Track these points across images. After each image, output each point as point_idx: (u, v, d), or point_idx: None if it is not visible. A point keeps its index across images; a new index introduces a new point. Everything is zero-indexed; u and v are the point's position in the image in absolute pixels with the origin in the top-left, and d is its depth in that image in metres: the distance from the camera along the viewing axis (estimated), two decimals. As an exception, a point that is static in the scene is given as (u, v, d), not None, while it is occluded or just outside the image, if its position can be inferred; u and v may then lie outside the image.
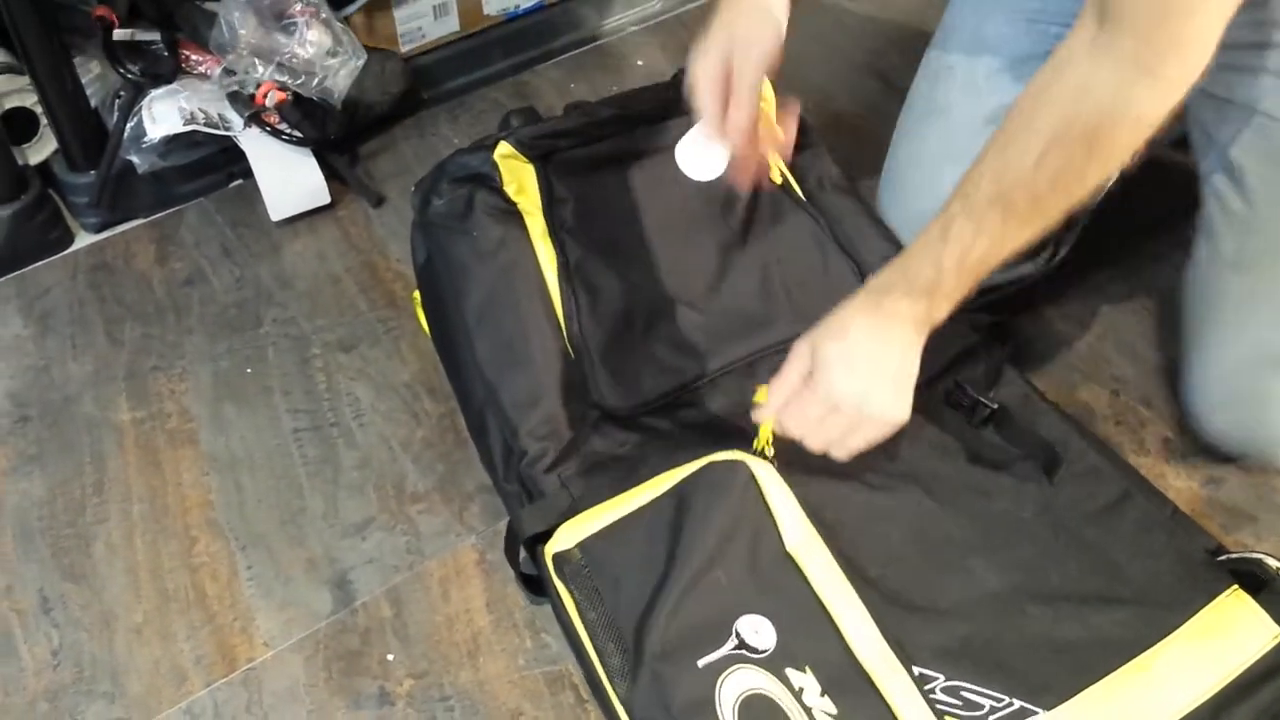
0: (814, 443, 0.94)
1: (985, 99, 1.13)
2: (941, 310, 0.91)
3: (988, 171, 0.85)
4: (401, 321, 1.27)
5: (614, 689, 0.88)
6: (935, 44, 1.21)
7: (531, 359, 1.06)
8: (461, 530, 1.10)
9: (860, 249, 1.17)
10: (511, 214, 1.11)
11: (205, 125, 1.33)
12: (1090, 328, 1.25)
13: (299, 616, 1.04)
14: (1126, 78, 0.78)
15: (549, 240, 1.10)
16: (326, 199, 1.38)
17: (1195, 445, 1.13)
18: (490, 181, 1.11)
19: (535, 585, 1.01)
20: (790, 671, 0.86)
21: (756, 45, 0.94)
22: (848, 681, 0.86)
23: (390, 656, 1.02)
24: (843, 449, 0.94)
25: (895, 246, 1.19)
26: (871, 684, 0.85)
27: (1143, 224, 1.29)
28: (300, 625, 1.04)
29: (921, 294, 0.90)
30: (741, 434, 1.00)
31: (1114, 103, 0.79)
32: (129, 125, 1.32)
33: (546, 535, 0.96)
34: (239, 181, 1.44)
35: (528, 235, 1.11)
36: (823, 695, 0.85)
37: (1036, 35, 1.11)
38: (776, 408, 0.95)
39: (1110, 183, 1.16)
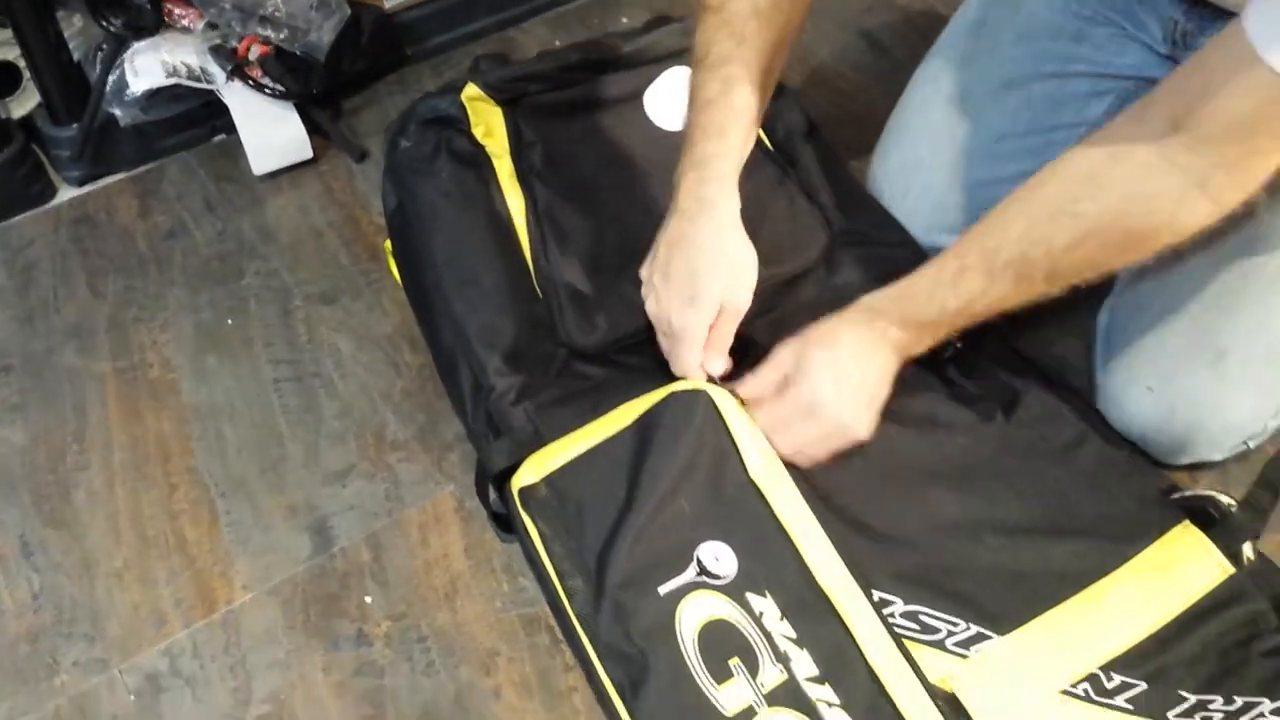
0: (784, 445, 0.94)
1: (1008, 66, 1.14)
2: (926, 345, 0.95)
3: (1016, 235, 0.87)
4: (383, 275, 1.28)
5: (578, 619, 0.89)
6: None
7: (499, 299, 1.07)
8: (441, 478, 1.11)
9: (826, 198, 1.18)
10: (479, 157, 1.12)
11: (187, 79, 1.33)
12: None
13: (278, 561, 1.05)
14: (1190, 194, 0.80)
15: (516, 183, 1.11)
16: (309, 153, 1.39)
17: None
18: (458, 124, 1.12)
19: (506, 524, 1.02)
20: (750, 596, 0.87)
21: (741, 306, 0.96)
22: (807, 605, 0.87)
23: (368, 599, 1.03)
24: (809, 456, 0.95)
25: (859, 194, 1.20)
26: (831, 607, 0.87)
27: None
28: (279, 569, 1.05)
29: (915, 328, 0.93)
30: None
31: (1171, 214, 0.81)
32: (111, 78, 1.32)
33: (513, 470, 0.97)
34: (221, 136, 1.44)
35: (495, 178, 1.12)
36: (782, 619, 0.86)
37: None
38: (749, 403, 0.96)
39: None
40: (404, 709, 0.96)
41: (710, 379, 0.96)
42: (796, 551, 0.90)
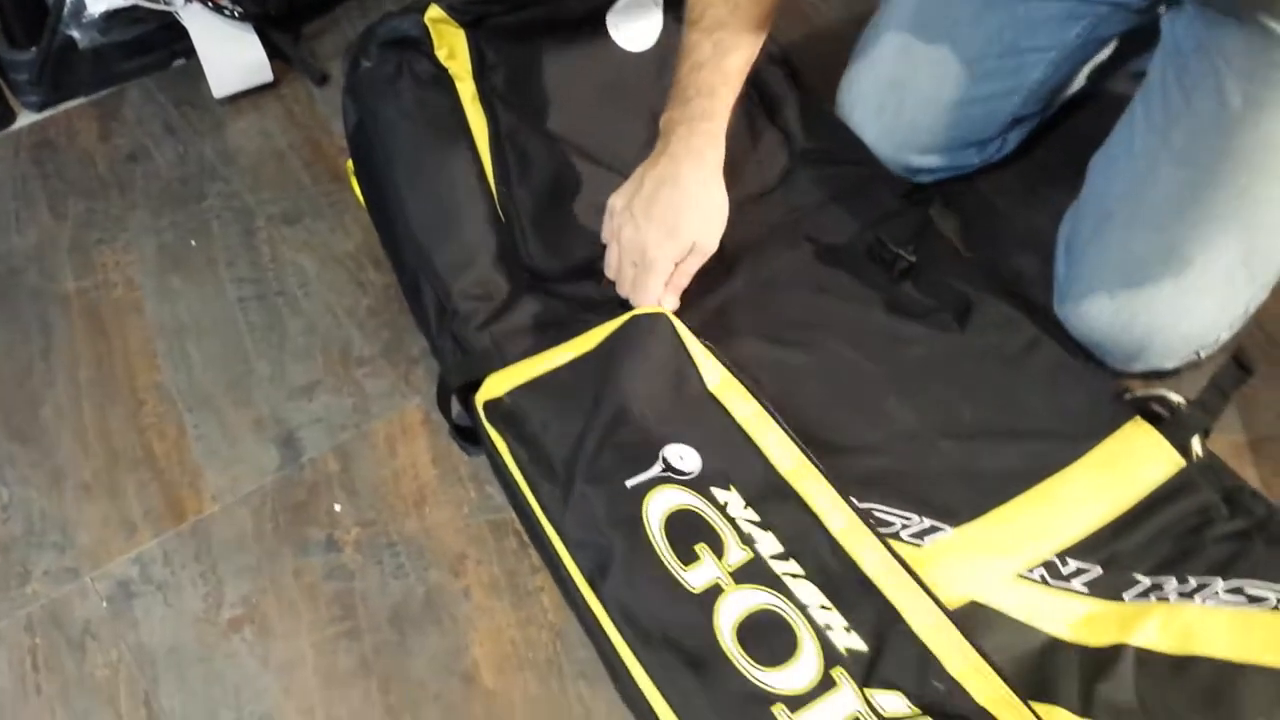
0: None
1: None
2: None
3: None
4: (345, 195, 1.28)
5: (548, 517, 0.91)
6: None
7: (463, 222, 1.08)
8: (407, 391, 1.12)
9: (788, 118, 1.19)
10: (442, 78, 1.12)
11: (146, 0, 1.32)
12: (1028, 203, 1.27)
13: (246, 473, 1.06)
14: None
15: (479, 105, 1.11)
16: (269, 76, 1.38)
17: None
18: (420, 46, 1.12)
19: (469, 436, 1.03)
20: (715, 490, 0.89)
21: (710, 249, 1.01)
22: (771, 492, 0.90)
23: (337, 508, 1.04)
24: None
25: (821, 115, 1.22)
26: (792, 492, 0.89)
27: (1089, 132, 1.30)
28: (248, 480, 1.06)
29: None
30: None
31: None
32: (69, 0, 1.31)
33: (477, 387, 0.99)
34: (181, 61, 1.43)
35: (458, 100, 1.12)
36: (746, 508, 0.88)
37: None
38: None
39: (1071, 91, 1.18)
40: (374, 610, 0.98)
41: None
42: (757, 448, 0.92)
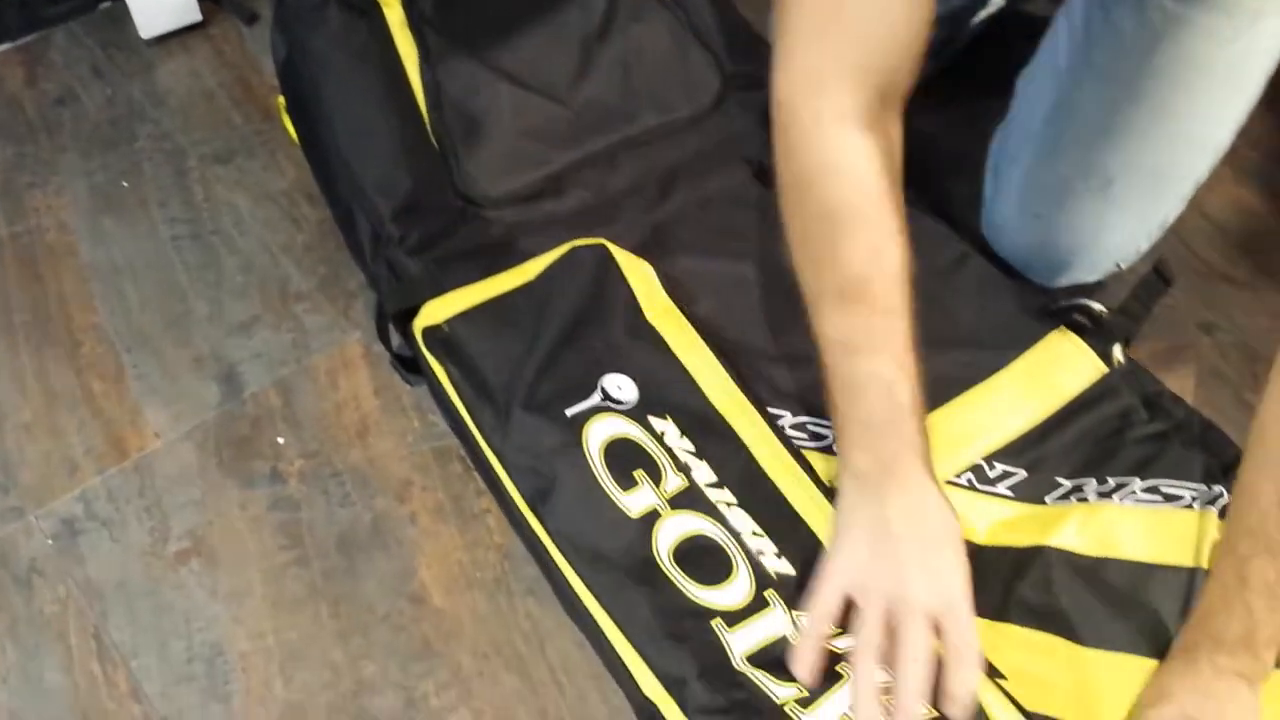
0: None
1: None
2: (1266, 660, 0.78)
3: (1275, 498, 0.77)
4: (277, 133, 1.27)
5: (488, 444, 0.92)
6: None
7: (395, 149, 1.08)
8: (347, 325, 1.13)
9: (717, 40, 1.20)
10: (369, 7, 1.12)
11: (66, -59, 1.30)
12: (957, 127, 1.28)
13: (188, 409, 1.07)
14: None
15: (408, 31, 1.11)
16: (197, 16, 1.37)
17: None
18: (347, -26, 1.11)
19: (409, 366, 1.04)
20: (652, 419, 0.91)
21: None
22: (704, 425, 0.92)
23: (280, 440, 1.05)
24: None
25: (752, 38, 1.22)
26: (726, 425, 0.91)
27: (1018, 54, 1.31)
28: (189, 417, 1.06)
29: (1237, 646, 0.78)
30: (603, 223, 1.04)
31: None
32: (-15, -59, 1.29)
33: (415, 314, 1.00)
34: (108, 3, 1.41)
35: (386, 27, 1.11)
36: (681, 437, 0.91)
37: None
38: None
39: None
40: (321, 538, 0.99)
41: None
42: (693, 381, 0.94)
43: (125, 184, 1.24)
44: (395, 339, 1.03)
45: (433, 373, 0.98)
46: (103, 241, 1.19)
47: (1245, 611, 0.77)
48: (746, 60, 1.22)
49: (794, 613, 0.84)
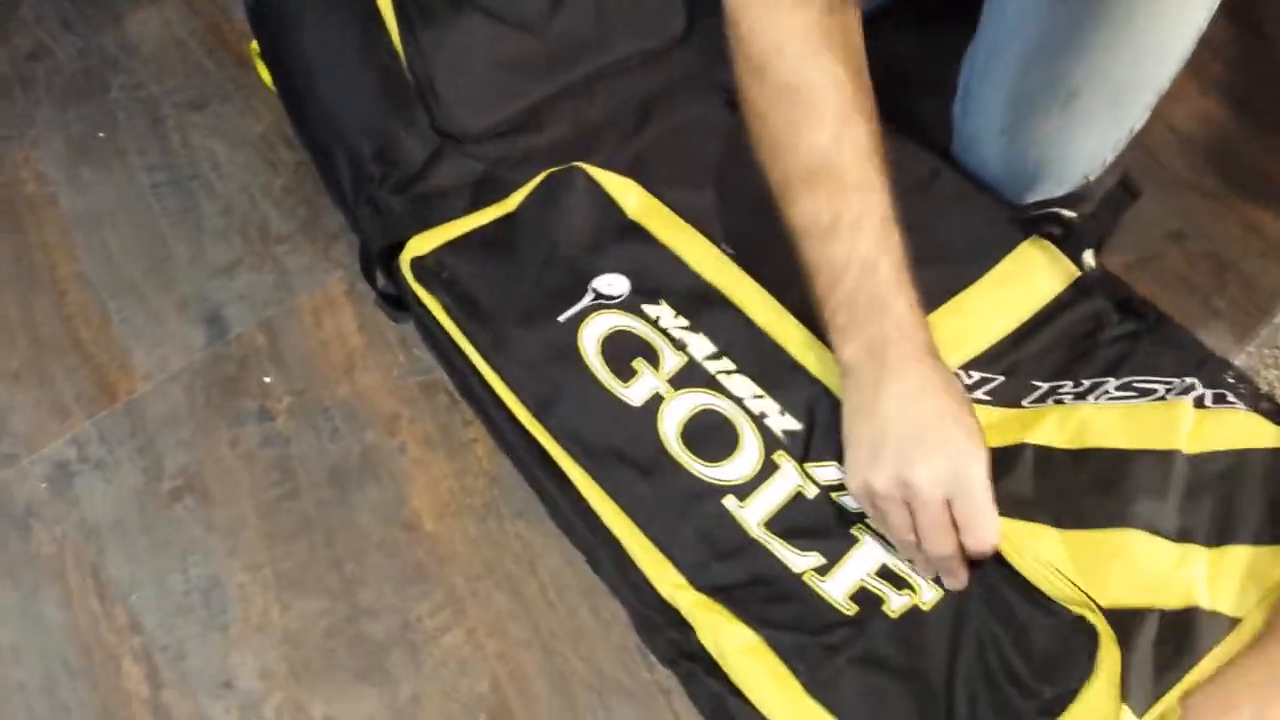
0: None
1: None
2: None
3: None
4: (250, 79, 1.28)
5: (487, 363, 0.94)
6: None
7: (372, 89, 1.08)
8: (329, 266, 1.14)
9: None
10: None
11: (29, -107, 1.30)
12: (933, 51, 1.29)
13: (174, 351, 1.08)
14: None
15: (379, -35, 1.12)
16: (164, -34, 1.37)
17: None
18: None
19: (395, 302, 1.05)
20: (645, 306, 0.93)
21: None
22: (698, 297, 0.94)
23: (268, 379, 1.06)
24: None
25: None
26: (719, 293, 0.93)
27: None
28: (176, 359, 1.07)
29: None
30: (582, 155, 1.04)
31: None
32: (-52, -104, 1.28)
33: (399, 251, 1.01)
34: (73, -42, 1.41)
35: (358, -36, 1.12)
36: (677, 316, 0.93)
37: None
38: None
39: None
40: (313, 471, 1.01)
41: None
42: (681, 260, 0.96)
43: (101, 134, 1.24)
44: (380, 278, 1.04)
45: (422, 304, 0.99)
46: (82, 191, 1.20)
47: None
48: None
49: (805, 467, 0.86)
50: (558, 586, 0.94)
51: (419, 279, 0.99)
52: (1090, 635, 0.79)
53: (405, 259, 1.00)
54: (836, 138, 0.81)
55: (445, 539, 0.97)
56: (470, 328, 0.95)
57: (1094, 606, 0.79)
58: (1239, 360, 1.09)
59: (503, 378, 0.92)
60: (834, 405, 0.88)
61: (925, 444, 0.78)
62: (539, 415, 0.90)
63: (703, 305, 0.93)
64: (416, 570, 0.96)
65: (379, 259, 1.04)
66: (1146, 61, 1.05)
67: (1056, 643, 0.80)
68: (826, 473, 0.86)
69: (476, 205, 1.03)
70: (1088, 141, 1.09)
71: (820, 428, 0.88)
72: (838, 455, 0.86)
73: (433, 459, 1.01)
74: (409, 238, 1.01)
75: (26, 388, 1.05)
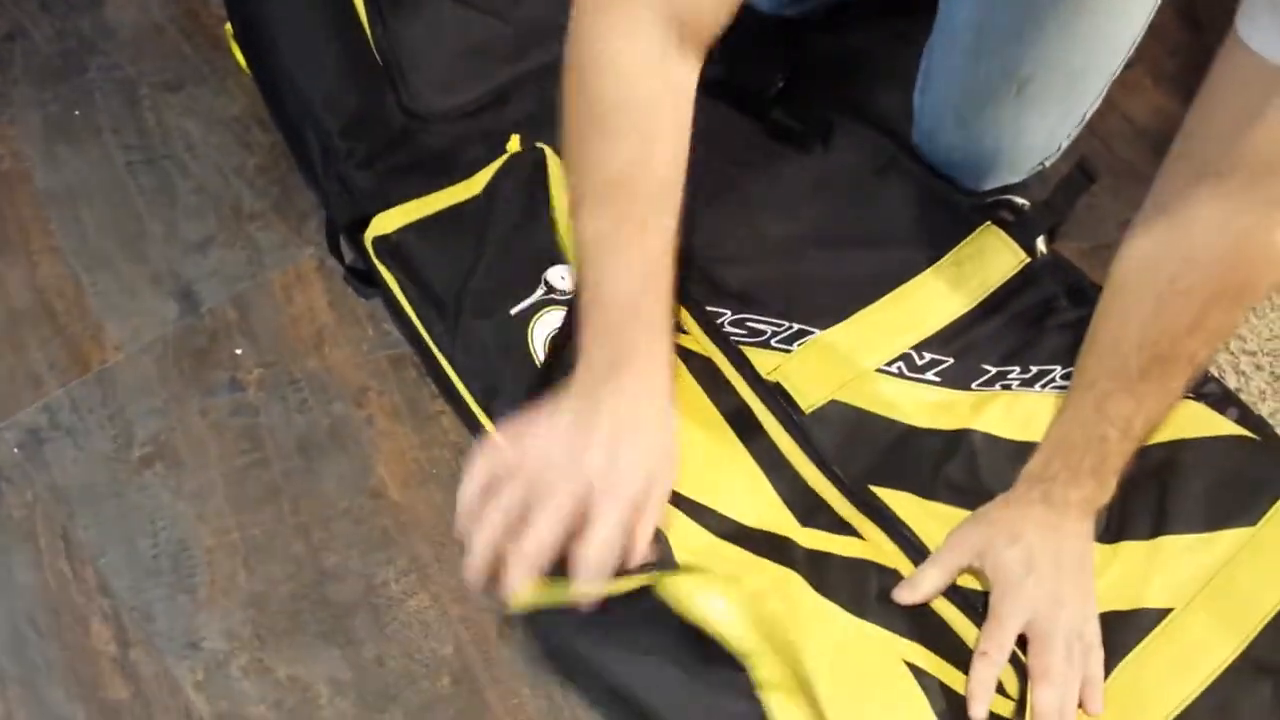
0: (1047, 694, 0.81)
1: None
2: (1110, 487, 0.86)
3: (1137, 342, 0.83)
4: (226, 61, 1.29)
5: (440, 350, 0.97)
6: None
7: (340, 67, 1.11)
8: (300, 243, 1.16)
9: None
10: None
11: (10, -123, 1.32)
12: (894, 43, 1.32)
13: (147, 323, 1.10)
14: (1265, 223, 0.79)
15: (351, -48, 1.14)
16: (142, -49, 1.39)
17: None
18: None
19: (363, 278, 1.08)
20: None
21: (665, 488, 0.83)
22: None
23: (238, 351, 1.08)
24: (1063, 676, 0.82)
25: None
26: None
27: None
28: (149, 330, 1.09)
29: (1090, 477, 0.85)
30: (546, 133, 1.06)
31: (1265, 253, 0.79)
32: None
33: (365, 227, 1.03)
34: (52, -57, 1.43)
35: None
36: None
37: None
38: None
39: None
40: (281, 441, 1.02)
41: None
42: None
43: (78, 113, 1.26)
44: (349, 254, 1.06)
45: (383, 281, 1.01)
46: (57, 168, 1.21)
47: (1100, 442, 0.84)
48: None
49: None
50: (520, 552, 0.96)
51: (381, 257, 1.02)
52: None
53: (369, 237, 1.02)
54: (639, 159, 0.81)
55: (410, 507, 0.99)
56: (426, 313, 0.98)
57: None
58: (1188, 345, 1.11)
59: (453, 366, 0.95)
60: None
61: (621, 442, 0.78)
62: (485, 406, 0.93)
63: None
64: (382, 536, 0.97)
65: (346, 234, 1.06)
66: (1099, 49, 1.08)
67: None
68: None
69: (441, 181, 1.06)
70: (1042, 128, 1.12)
71: None
72: None
73: (399, 430, 1.03)
74: (374, 214, 1.03)
75: (1, 356, 1.07)
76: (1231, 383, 1.09)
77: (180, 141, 1.23)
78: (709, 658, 0.79)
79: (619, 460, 0.76)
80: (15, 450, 1.01)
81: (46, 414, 1.04)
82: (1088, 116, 1.12)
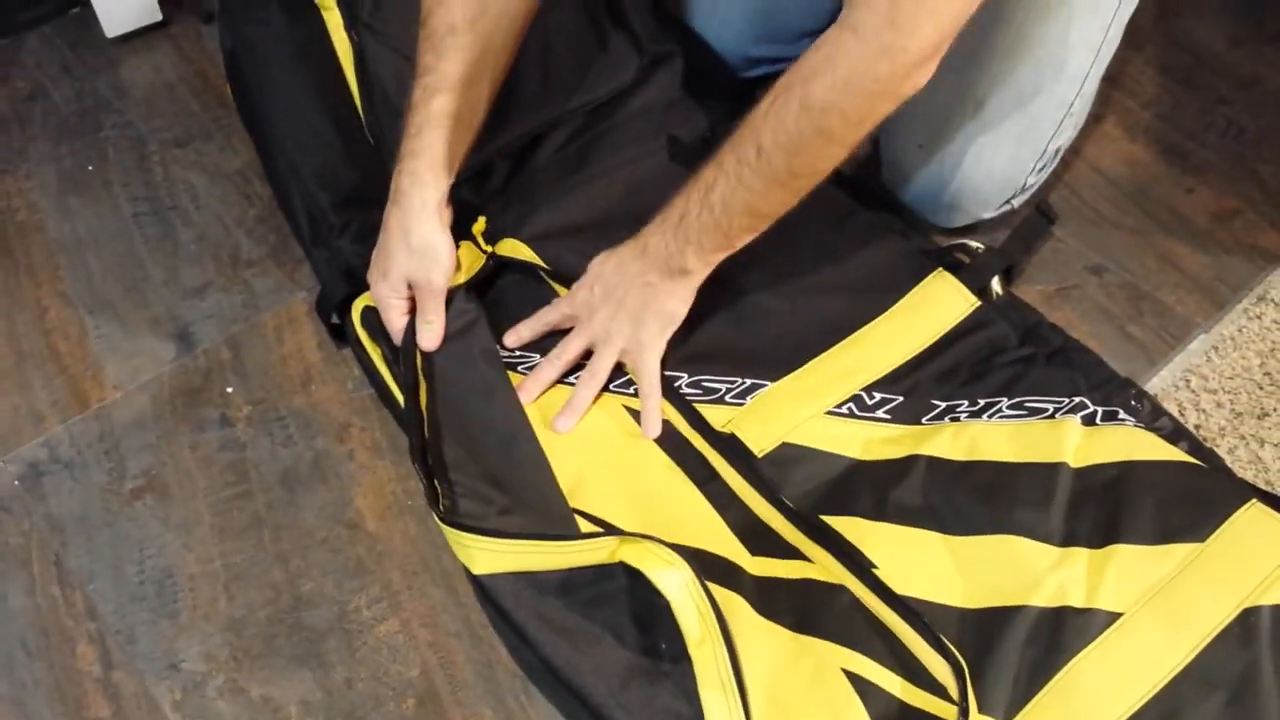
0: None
1: None
2: (695, 256, 0.99)
3: (748, 127, 0.93)
4: (232, 119, 1.37)
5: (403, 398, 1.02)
6: None
7: (334, 144, 1.18)
8: (293, 287, 1.21)
9: (634, 21, 1.28)
10: (310, 8, 1.21)
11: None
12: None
13: (145, 364, 1.15)
14: (869, 52, 0.86)
15: (345, 34, 1.21)
16: (158, 16, 1.47)
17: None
18: (288, -24, 1.21)
19: (337, 332, 1.13)
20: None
21: (435, 284, 1.04)
22: None
23: (229, 389, 1.13)
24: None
25: (668, 20, 1.31)
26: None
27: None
28: (146, 370, 1.15)
29: (672, 230, 0.98)
30: (522, 197, 1.16)
31: (860, 77, 0.87)
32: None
33: (354, 295, 1.10)
34: (76, 9, 1.51)
35: (325, 28, 1.21)
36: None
37: None
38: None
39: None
40: (266, 474, 1.07)
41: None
42: None
43: (90, 168, 1.33)
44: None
45: (366, 352, 1.07)
46: (69, 219, 1.28)
47: (684, 200, 0.98)
48: (665, 41, 1.30)
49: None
50: (486, 580, 1.00)
51: (366, 327, 1.07)
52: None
53: (357, 307, 1.08)
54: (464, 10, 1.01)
55: (385, 537, 1.03)
56: (399, 373, 1.04)
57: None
58: (1152, 383, 1.14)
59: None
60: None
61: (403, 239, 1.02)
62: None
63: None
64: (357, 565, 1.02)
65: (335, 306, 1.12)
66: (1045, 71, 1.12)
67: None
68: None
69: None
70: (1001, 153, 1.15)
71: None
72: None
73: (379, 464, 1.07)
74: (364, 291, 1.09)
75: (6, 394, 1.13)
76: (1191, 419, 1.12)
77: (185, 194, 1.30)
78: (657, 655, 0.84)
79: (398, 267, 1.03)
80: (16, 483, 1.07)
81: (46, 449, 1.09)
82: (1050, 152, 1.15)
